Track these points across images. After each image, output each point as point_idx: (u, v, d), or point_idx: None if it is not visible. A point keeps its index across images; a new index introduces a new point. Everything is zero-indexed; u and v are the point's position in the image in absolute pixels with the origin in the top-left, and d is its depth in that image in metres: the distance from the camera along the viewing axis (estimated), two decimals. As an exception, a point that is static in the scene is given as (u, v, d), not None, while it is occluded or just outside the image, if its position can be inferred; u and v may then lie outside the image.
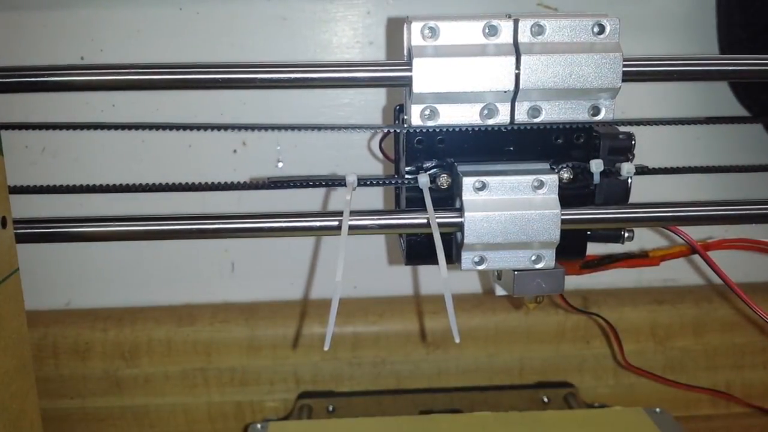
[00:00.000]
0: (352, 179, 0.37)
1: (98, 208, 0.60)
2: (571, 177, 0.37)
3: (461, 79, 0.34)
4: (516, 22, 0.34)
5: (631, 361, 0.60)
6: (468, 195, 0.35)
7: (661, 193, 0.49)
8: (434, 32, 0.34)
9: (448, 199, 0.37)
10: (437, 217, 0.35)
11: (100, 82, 0.35)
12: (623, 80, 0.35)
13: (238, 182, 0.39)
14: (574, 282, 0.62)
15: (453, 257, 0.38)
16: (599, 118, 0.36)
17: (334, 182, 0.38)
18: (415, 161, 0.37)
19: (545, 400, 0.62)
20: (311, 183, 0.38)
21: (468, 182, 0.35)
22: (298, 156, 0.63)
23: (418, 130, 0.36)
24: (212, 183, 0.39)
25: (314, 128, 0.39)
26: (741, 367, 0.64)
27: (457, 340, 0.32)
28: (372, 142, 0.61)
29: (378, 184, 0.38)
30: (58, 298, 0.65)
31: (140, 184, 0.39)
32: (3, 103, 0.56)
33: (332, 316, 0.32)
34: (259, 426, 0.54)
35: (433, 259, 0.34)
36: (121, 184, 0.39)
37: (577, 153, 0.37)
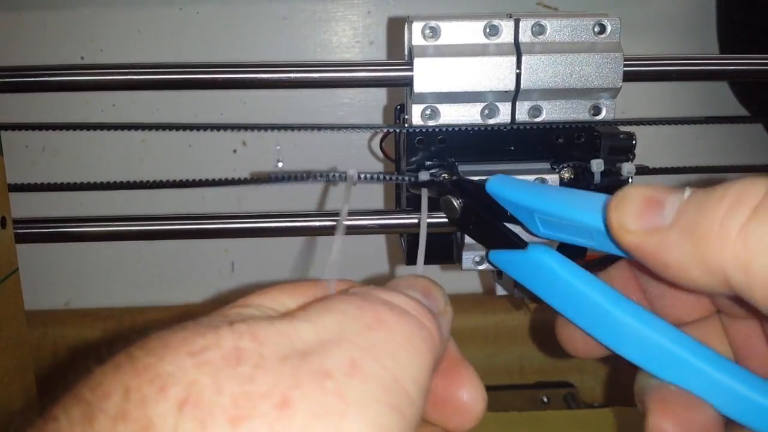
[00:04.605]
0: (353, 173, 0.37)
1: (98, 208, 0.60)
2: (572, 177, 0.37)
3: (462, 79, 0.34)
4: (517, 22, 0.34)
5: (631, 360, 0.60)
6: (468, 195, 0.35)
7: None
8: (435, 32, 0.34)
9: (449, 199, 0.37)
10: (437, 217, 0.35)
11: (100, 82, 0.35)
12: (624, 80, 0.35)
13: (239, 178, 0.39)
14: (574, 282, 0.62)
15: (454, 257, 0.38)
16: (600, 117, 0.36)
17: (334, 177, 0.38)
18: (415, 161, 0.37)
19: (545, 400, 0.62)
20: (311, 177, 0.38)
21: (468, 182, 0.35)
22: (298, 156, 0.63)
23: (418, 130, 0.36)
24: (212, 179, 0.39)
25: (314, 128, 0.39)
26: (741, 367, 0.64)
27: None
28: (372, 142, 0.61)
29: (379, 180, 0.38)
30: (57, 298, 0.65)
31: (139, 182, 0.39)
32: (3, 103, 0.56)
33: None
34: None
35: (434, 259, 0.34)
36: (120, 182, 0.39)
37: (578, 153, 0.37)
